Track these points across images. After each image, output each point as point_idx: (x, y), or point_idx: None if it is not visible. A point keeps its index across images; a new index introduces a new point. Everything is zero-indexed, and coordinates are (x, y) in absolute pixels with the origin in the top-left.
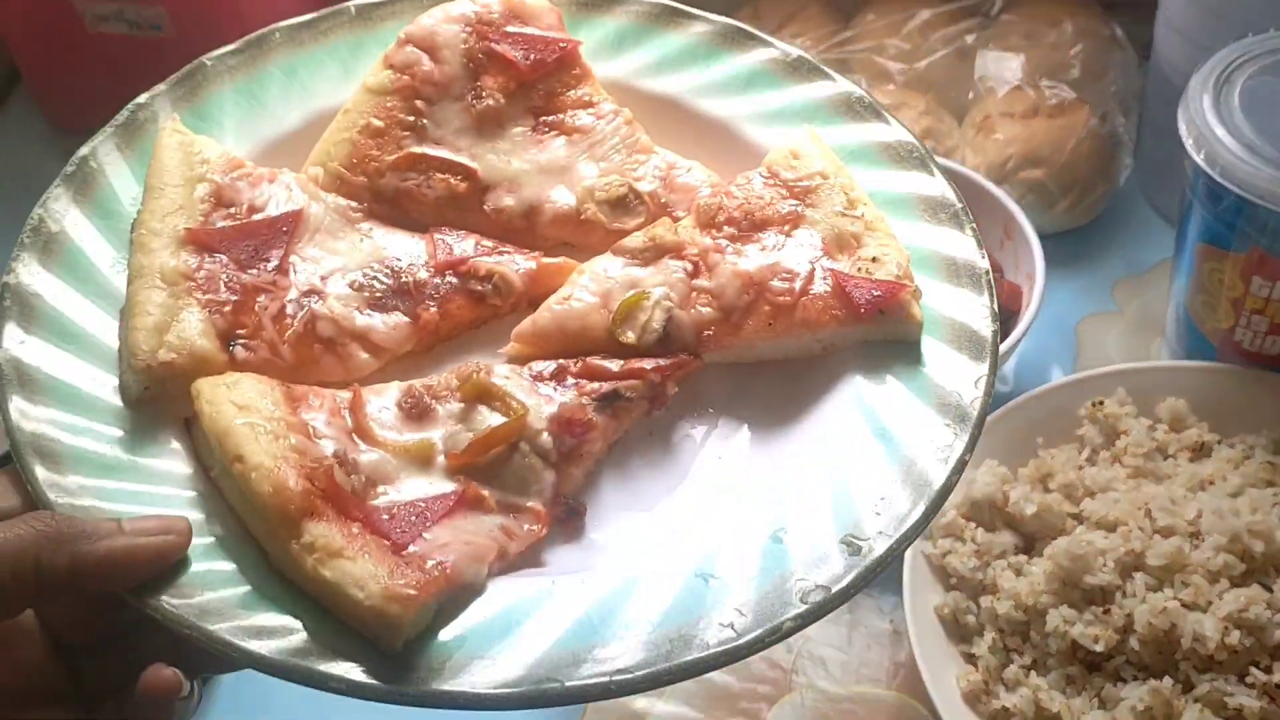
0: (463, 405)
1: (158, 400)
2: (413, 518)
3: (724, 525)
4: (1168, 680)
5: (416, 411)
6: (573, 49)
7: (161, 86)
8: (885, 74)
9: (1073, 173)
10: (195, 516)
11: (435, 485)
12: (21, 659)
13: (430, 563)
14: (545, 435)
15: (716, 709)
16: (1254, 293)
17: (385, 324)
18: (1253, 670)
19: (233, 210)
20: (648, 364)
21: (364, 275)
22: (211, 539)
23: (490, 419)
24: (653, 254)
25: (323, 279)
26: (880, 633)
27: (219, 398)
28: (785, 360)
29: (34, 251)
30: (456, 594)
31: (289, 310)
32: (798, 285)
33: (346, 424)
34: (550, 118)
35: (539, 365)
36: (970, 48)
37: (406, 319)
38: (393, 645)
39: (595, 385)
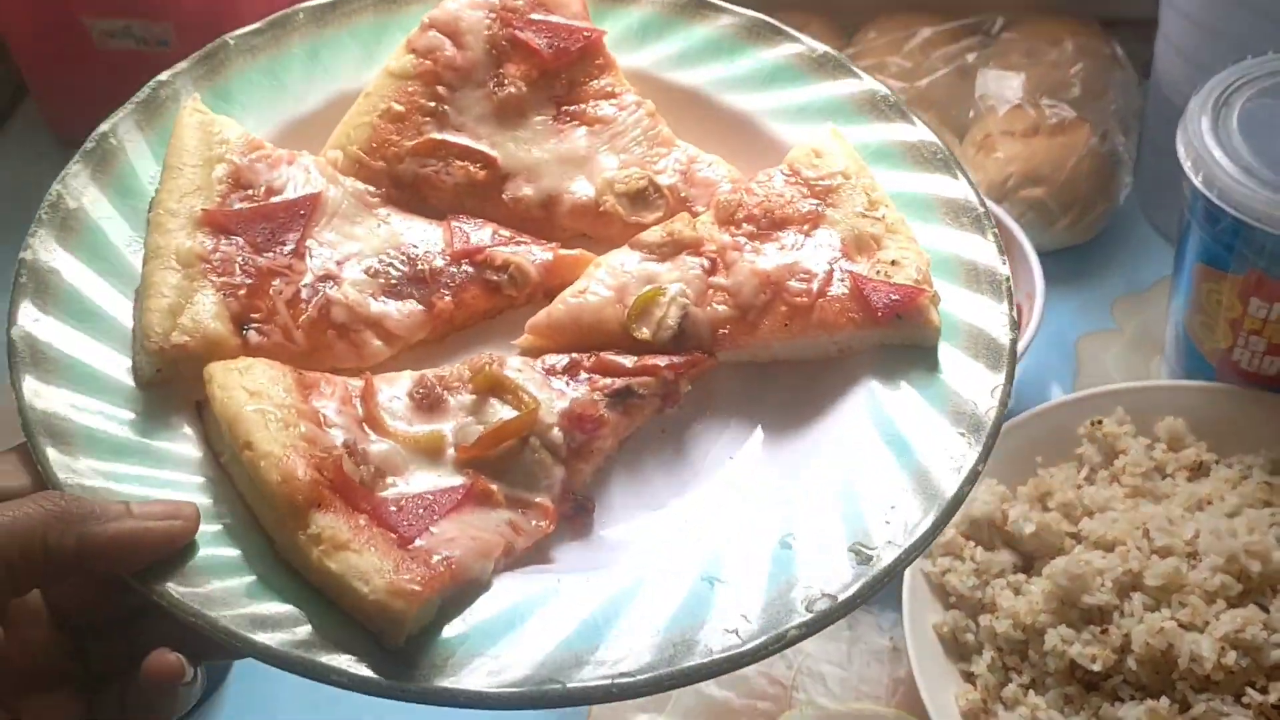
0: (474, 397)
1: (170, 383)
2: (420, 511)
3: (732, 528)
4: (1165, 700)
5: (428, 402)
6: (597, 38)
7: (183, 64)
8: None
9: (1073, 191)
10: (204, 502)
11: (444, 478)
12: (28, 639)
13: (436, 557)
14: (556, 430)
15: None
16: (1252, 313)
17: (399, 311)
18: (1249, 691)
19: (250, 192)
20: (661, 361)
21: (380, 261)
22: (219, 526)
23: (501, 412)
24: (670, 249)
25: (338, 264)
26: (880, 649)
27: (231, 383)
28: (800, 361)
29: (51, 228)
30: (461, 590)
31: (303, 295)
32: (815, 286)
33: (357, 413)
34: (572, 107)
35: (552, 359)
36: (971, 66)
37: (421, 307)
38: (395, 640)
39: (608, 381)
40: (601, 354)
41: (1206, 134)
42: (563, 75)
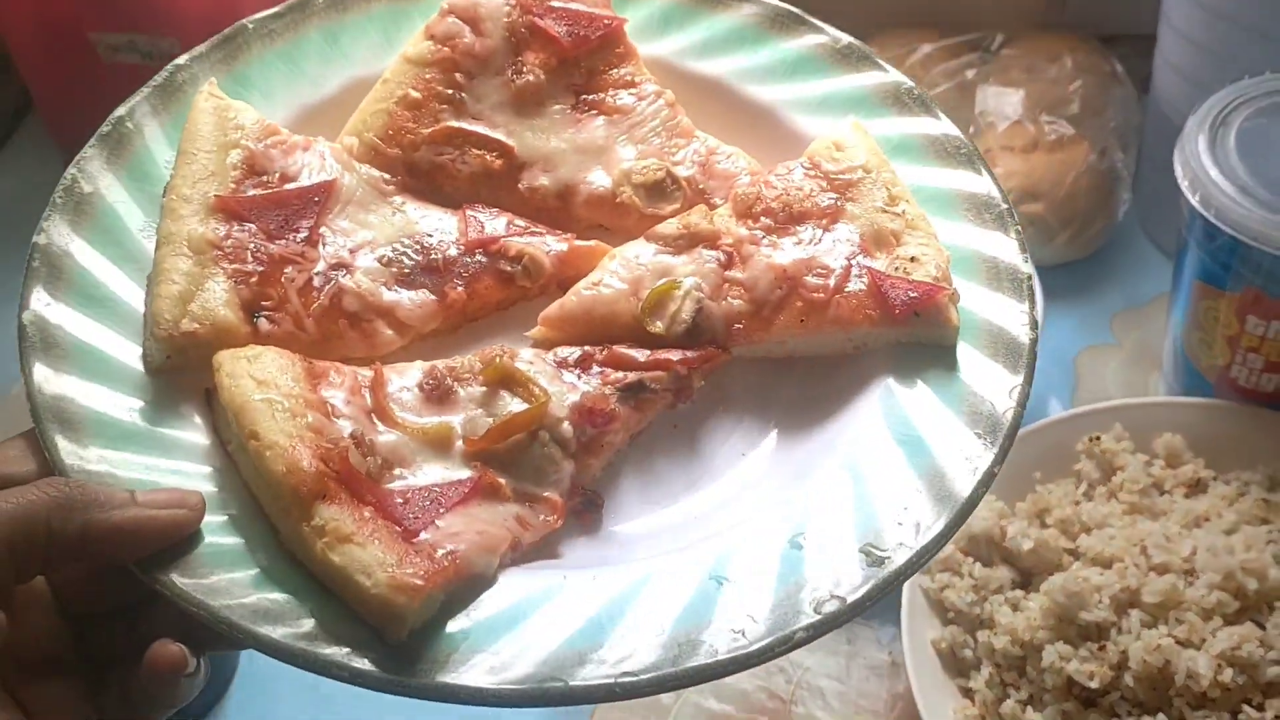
0: (484, 389)
1: (180, 370)
2: (426, 503)
3: (742, 526)
4: (1162, 717)
5: (438, 394)
6: (617, 26)
7: (202, 48)
8: None
9: (1072, 207)
10: (210, 491)
11: (451, 471)
12: (33, 626)
13: (440, 551)
14: (566, 424)
15: None
16: (1249, 331)
17: (411, 301)
18: (1245, 709)
19: (265, 178)
20: (674, 355)
21: (393, 250)
22: (225, 516)
23: (511, 405)
24: (686, 242)
25: (351, 252)
26: (879, 664)
27: (239, 371)
28: (815, 358)
29: (65, 213)
30: (466, 585)
31: (315, 283)
32: (832, 282)
33: (366, 403)
34: (591, 96)
35: (564, 351)
36: (971, 82)
37: (433, 297)
38: (397, 635)
39: (620, 375)
40: (614, 347)
41: (1204, 154)
42: (582, 64)
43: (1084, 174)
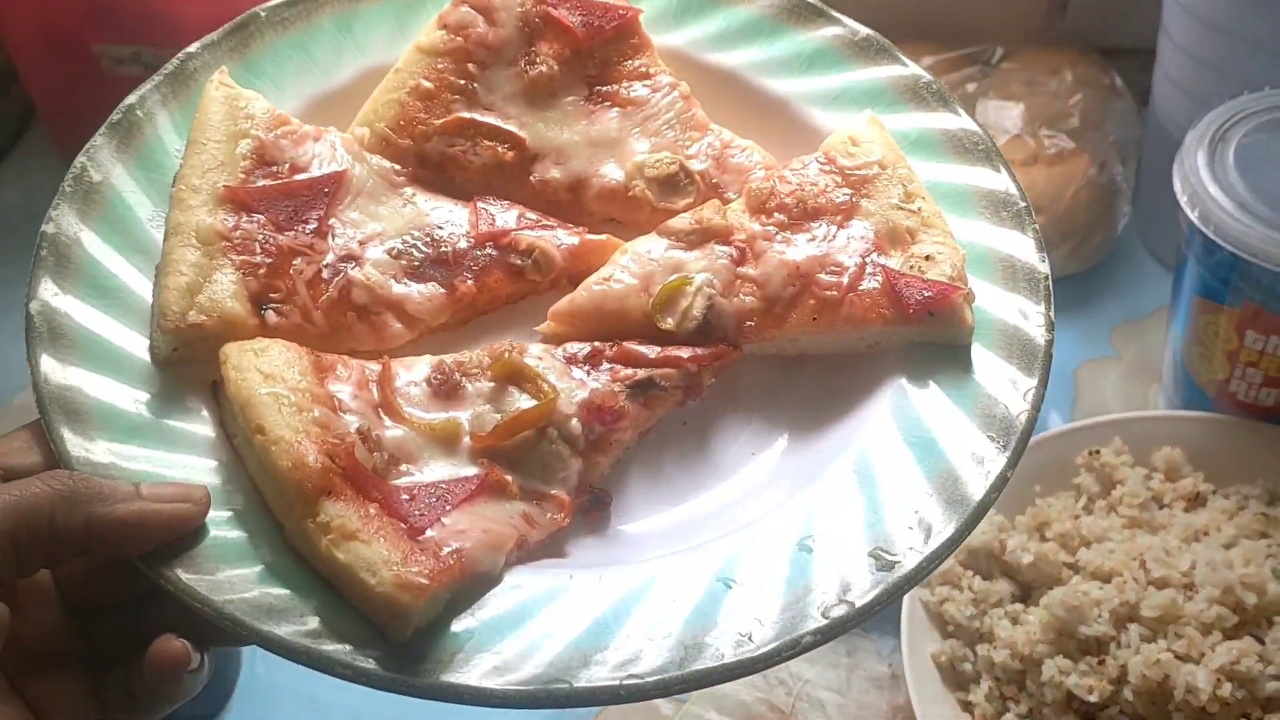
0: (493, 385)
1: (187, 362)
2: (433, 500)
3: (751, 528)
4: None
5: (446, 389)
6: (632, 17)
7: (213, 36)
8: None
9: (1072, 220)
10: (216, 485)
11: (458, 467)
12: (37, 619)
13: (446, 550)
14: (574, 421)
15: None
16: (1248, 346)
17: (421, 294)
18: None
19: (275, 169)
20: (685, 352)
21: (403, 242)
22: (229, 512)
23: (520, 401)
24: (699, 237)
25: (361, 244)
26: (879, 676)
27: (245, 364)
28: (827, 356)
29: (74, 201)
30: (471, 583)
31: (324, 275)
32: (846, 280)
33: (373, 397)
34: (604, 88)
35: (573, 347)
36: (970, 96)
37: (442, 290)
38: (401, 633)
39: (629, 371)
40: (624, 343)
41: (1203, 169)
42: (596, 54)
43: (1084, 187)
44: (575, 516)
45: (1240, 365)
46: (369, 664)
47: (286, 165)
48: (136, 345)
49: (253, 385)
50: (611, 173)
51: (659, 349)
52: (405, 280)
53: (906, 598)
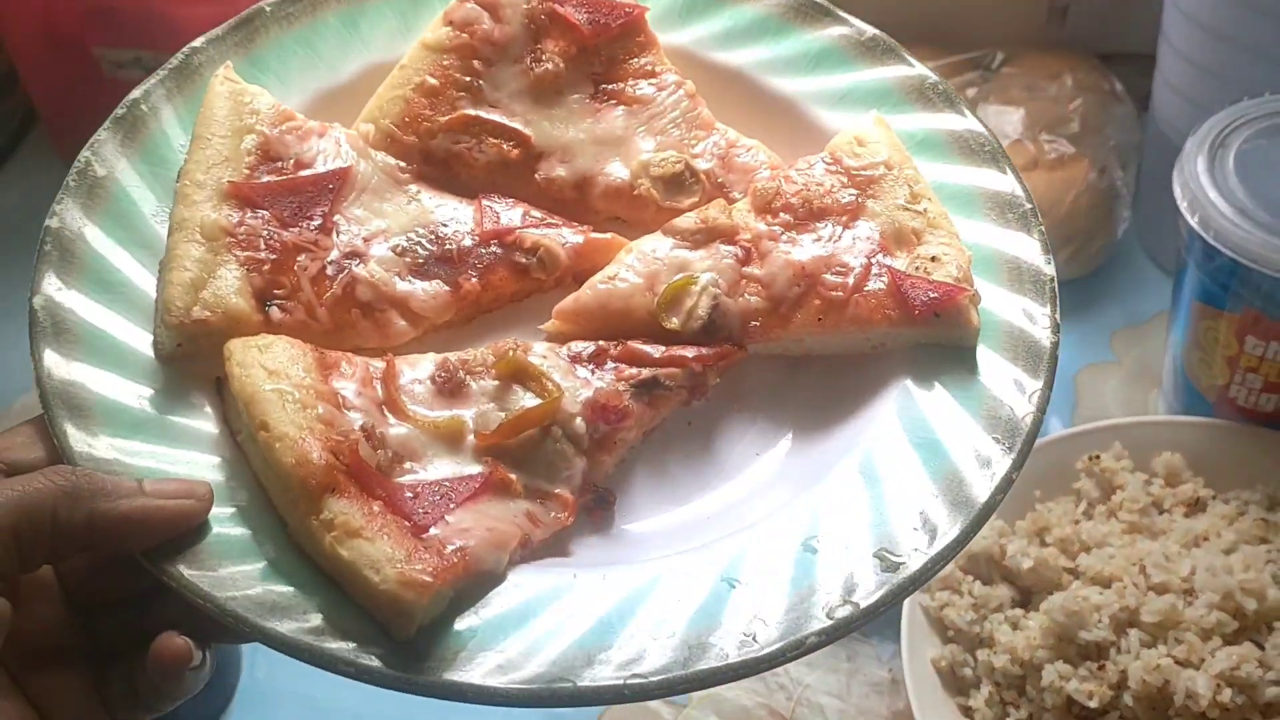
0: (497, 383)
1: (191, 358)
2: (436, 498)
3: (755, 528)
4: None
5: (450, 387)
6: (638, 15)
7: (218, 30)
8: None
9: (1072, 225)
10: (219, 482)
11: (462, 466)
12: (40, 615)
13: (450, 548)
14: (579, 420)
15: None
16: (1248, 351)
17: (425, 292)
18: None
19: (279, 164)
20: (689, 352)
21: (408, 240)
22: (233, 508)
23: (524, 399)
24: (704, 236)
25: (365, 241)
26: (879, 681)
27: (250, 360)
28: (832, 357)
29: (78, 196)
30: (475, 581)
31: (329, 272)
32: (851, 280)
33: (377, 395)
34: (610, 86)
35: (578, 346)
36: (971, 101)
37: (447, 288)
38: (405, 631)
39: (634, 371)
40: (629, 343)
41: (1203, 175)
42: (602, 52)
43: (1084, 192)
44: (579, 516)
45: (1240, 371)
46: (372, 661)
47: (291, 161)
48: (140, 341)
49: (257, 381)
50: (617, 171)
51: (664, 348)
52: (410, 278)
53: (907, 602)
